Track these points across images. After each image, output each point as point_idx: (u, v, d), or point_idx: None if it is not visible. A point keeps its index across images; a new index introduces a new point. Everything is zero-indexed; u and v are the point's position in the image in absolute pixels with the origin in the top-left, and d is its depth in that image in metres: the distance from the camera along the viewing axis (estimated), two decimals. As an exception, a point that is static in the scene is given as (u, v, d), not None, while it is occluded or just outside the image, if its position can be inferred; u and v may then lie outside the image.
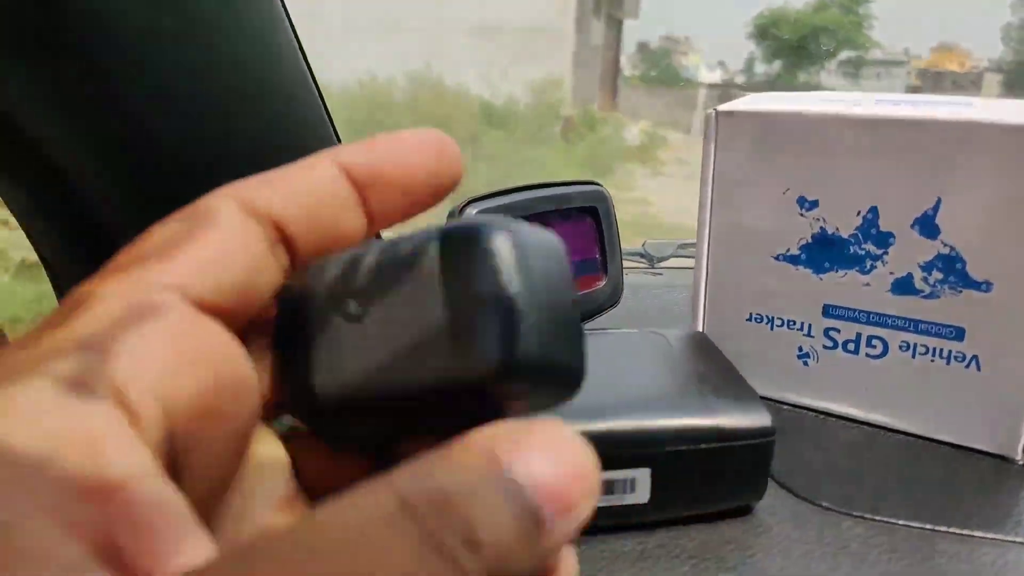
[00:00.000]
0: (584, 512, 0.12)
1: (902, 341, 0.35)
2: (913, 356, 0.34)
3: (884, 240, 0.34)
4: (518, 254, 0.14)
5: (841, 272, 0.35)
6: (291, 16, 0.35)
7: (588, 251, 0.44)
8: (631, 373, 0.31)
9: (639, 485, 0.28)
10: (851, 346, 0.36)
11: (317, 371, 0.15)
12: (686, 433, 0.28)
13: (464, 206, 0.40)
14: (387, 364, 0.14)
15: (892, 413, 0.36)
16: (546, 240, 0.15)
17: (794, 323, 0.37)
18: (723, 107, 0.36)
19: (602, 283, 0.44)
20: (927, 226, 0.32)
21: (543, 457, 0.12)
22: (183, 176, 0.31)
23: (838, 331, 0.36)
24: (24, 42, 0.27)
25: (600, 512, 0.28)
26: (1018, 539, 0.29)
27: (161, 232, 0.15)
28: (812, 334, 0.37)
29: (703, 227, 0.38)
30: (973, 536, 0.29)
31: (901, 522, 0.30)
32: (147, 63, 0.29)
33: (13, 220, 0.35)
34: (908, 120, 0.32)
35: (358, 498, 0.11)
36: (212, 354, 0.14)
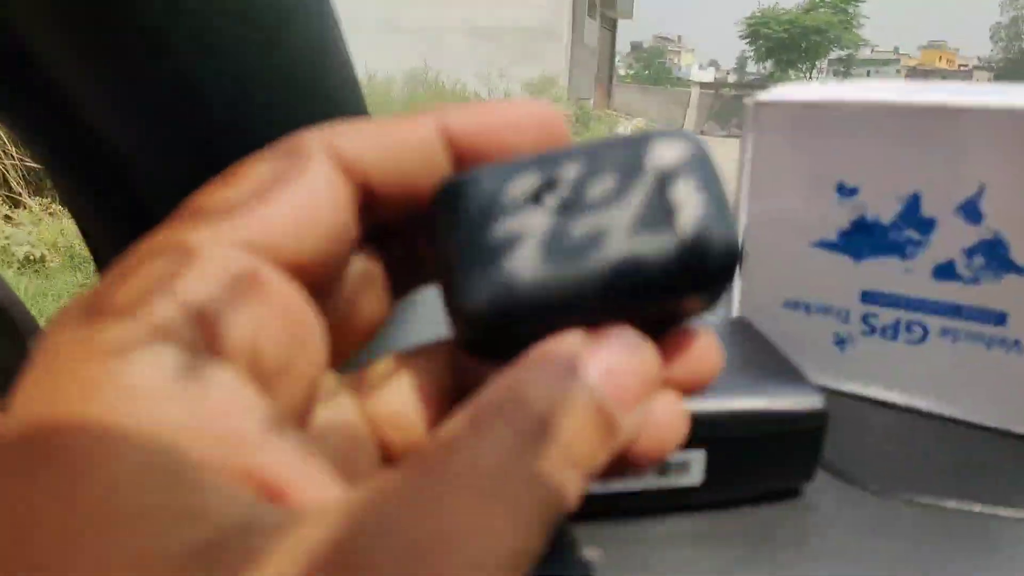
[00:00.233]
0: (643, 393, 0.15)
1: (943, 326, 0.35)
2: (954, 341, 0.35)
3: (926, 226, 0.34)
4: (706, 155, 0.16)
5: (881, 258, 0.35)
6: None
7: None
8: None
9: (693, 467, 0.28)
10: (890, 332, 0.36)
11: (522, 264, 0.15)
12: (741, 416, 0.28)
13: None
14: (607, 256, 0.15)
15: (932, 398, 0.36)
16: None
17: (831, 309, 0.37)
18: (761, 97, 0.37)
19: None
20: (971, 212, 0.33)
21: (615, 359, 0.14)
22: (225, 157, 0.31)
23: (876, 316, 0.36)
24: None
25: (654, 494, 0.28)
26: (1067, 519, 0.29)
27: (251, 175, 0.15)
28: (849, 320, 0.37)
29: (739, 215, 0.38)
30: (1020, 518, 0.29)
31: (950, 505, 0.30)
32: (209, 37, 0.29)
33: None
34: (950, 107, 0.32)
35: (472, 412, 0.13)
36: (299, 325, 0.15)
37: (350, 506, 0.12)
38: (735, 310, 0.40)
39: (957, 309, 0.34)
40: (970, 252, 0.33)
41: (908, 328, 0.36)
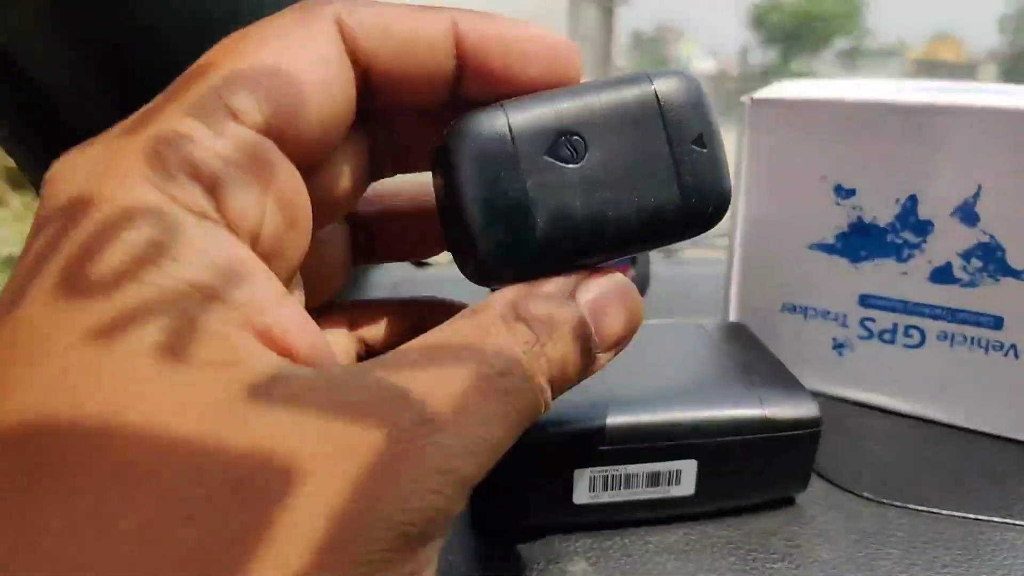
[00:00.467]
0: (626, 331, 0.17)
1: (940, 330, 0.34)
2: (951, 345, 0.34)
3: (923, 228, 0.33)
4: (703, 94, 0.17)
5: (878, 261, 0.35)
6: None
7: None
8: (675, 364, 0.31)
9: (685, 477, 0.28)
10: (887, 336, 0.36)
11: (539, 210, 0.16)
12: (734, 424, 0.27)
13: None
14: (617, 205, 0.16)
15: (929, 404, 0.36)
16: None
17: (829, 313, 0.37)
18: (758, 94, 0.36)
19: (630, 273, 0.44)
20: (967, 214, 0.32)
21: (604, 295, 0.17)
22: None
23: (874, 321, 0.36)
24: None
25: (646, 504, 0.28)
26: (1064, 529, 0.29)
27: (265, 40, 0.15)
28: (848, 324, 0.36)
29: (735, 216, 0.38)
30: (1017, 525, 0.29)
31: (945, 512, 0.30)
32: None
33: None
34: (949, 107, 0.32)
35: (476, 317, 0.15)
36: (296, 210, 0.16)
37: (366, 367, 0.14)
38: (732, 314, 0.39)
39: (954, 313, 0.34)
40: (967, 255, 0.33)
41: (906, 332, 0.35)
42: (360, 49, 0.16)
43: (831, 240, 0.36)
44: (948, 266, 0.33)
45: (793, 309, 0.38)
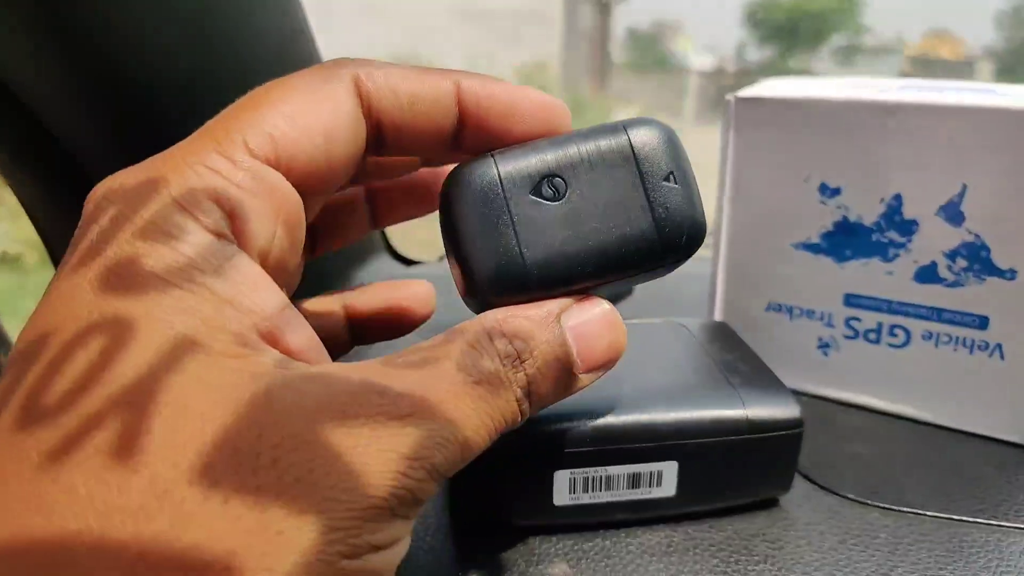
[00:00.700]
0: (607, 356, 0.19)
1: (925, 330, 0.34)
2: (936, 345, 0.34)
3: (908, 228, 0.33)
4: (676, 140, 0.19)
5: (863, 260, 0.35)
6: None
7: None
8: (656, 364, 0.31)
9: (666, 478, 0.28)
10: (872, 336, 0.35)
11: (525, 243, 0.18)
12: (715, 425, 0.27)
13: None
14: (597, 236, 0.18)
15: (914, 403, 0.36)
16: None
17: (814, 313, 0.37)
18: (742, 93, 0.36)
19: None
20: (952, 213, 0.32)
21: (586, 319, 0.18)
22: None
23: (859, 320, 0.36)
24: None
25: (626, 506, 0.28)
26: (1047, 530, 0.28)
27: (291, 90, 0.17)
28: (833, 324, 0.36)
29: (720, 215, 0.38)
30: (1002, 526, 0.29)
31: (930, 513, 0.29)
32: (159, 36, 0.28)
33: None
34: (934, 106, 0.31)
35: (464, 330, 0.17)
36: (297, 230, 0.18)
37: (358, 367, 0.15)
38: (717, 313, 0.39)
39: (939, 313, 0.34)
40: (951, 255, 0.32)
41: (891, 332, 0.35)
42: (373, 105, 0.18)
43: (816, 239, 0.35)
44: (933, 265, 0.33)
45: (778, 308, 0.37)
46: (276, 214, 0.17)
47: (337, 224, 0.25)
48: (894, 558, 0.27)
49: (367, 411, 0.15)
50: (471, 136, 0.19)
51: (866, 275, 0.35)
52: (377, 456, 0.14)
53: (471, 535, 0.28)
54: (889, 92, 0.33)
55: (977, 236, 0.32)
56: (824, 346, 0.37)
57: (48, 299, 0.15)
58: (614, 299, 0.45)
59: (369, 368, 0.16)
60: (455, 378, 0.16)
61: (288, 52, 0.36)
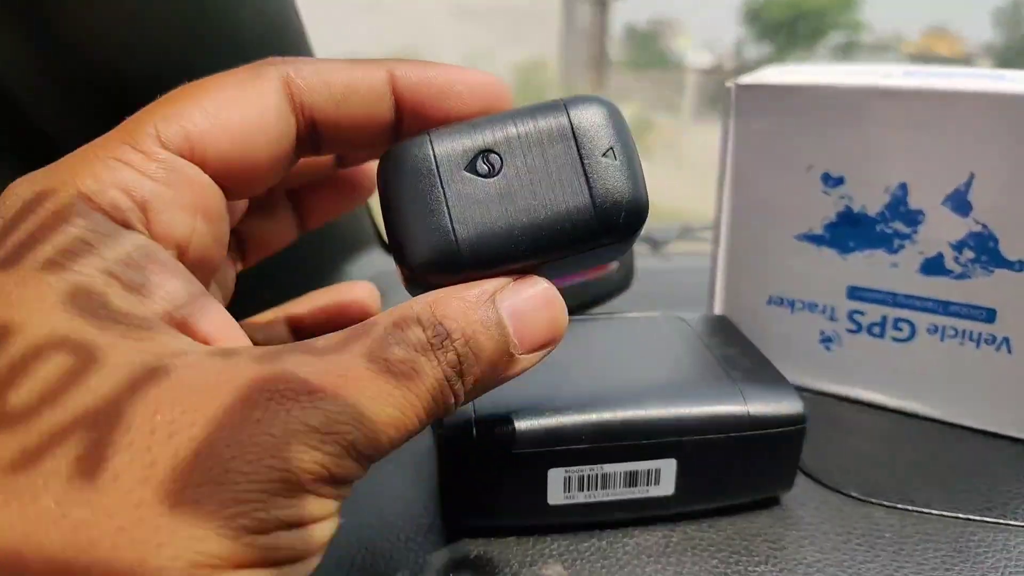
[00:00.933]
0: (546, 336, 0.18)
1: (930, 324, 0.33)
2: (942, 339, 0.33)
3: (913, 218, 0.32)
4: (620, 117, 0.18)
5: (867, 252, 0.34)
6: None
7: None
8: (654, 359, 0.30)
9: (664, 476, 0.27)
10: (876, 329, 0.35)
11: (458, 220, 0.17)
12: (715, 421, 0.26)
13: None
14: (532, 213, 0.17)
15: (919, 399, 0.35)
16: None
17: (817, 306, 0.36)
18: (743, 80, 0.35)
19: (614, 265, 0.42)
20: (959, 203, 0.31)
21: (523, 298, 0.18)
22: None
23: (863, 314, 0.35)
24: None
25: (624, 505, 0.27)
26: (1058, 529, 0.28)
27: (213, 88, 0.17)
28: (836, 317, 0.35)
29: (720, 205, 0.37)
30: (1010, 525, 0.28)
31: (935, 511, 0.28)
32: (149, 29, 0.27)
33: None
34: (941, 92, 0.30)
35: (389, 312, 0.16)
36: (219, 224, 0.18)
37: (274, 348, 0.15)
38: (717, 307, 0.38)
39: (945, 306, 0.33)
40: (958, 246, 0.32)
41: (895, 325, 0.34)
42: (305, 102, 0.18)
43: (819, 230, 0.35)
44: (940, 257, 0.32)
45: (780, 302, 0.36)
46: (193, 206, 0.17)
47: (261, 230, 0.24)
48: (899, 558, 0.26)
49: (275, 385, 0.14)
50: (411, 123, 0.19)
51: (870, 267, 0.34)
52: (282, 429, 0.14)
53: (463, 536, 0.27)
54: (894, 78, 0.32)
55: (985, 226, 0.31)
56: (827, 340, 0.36)
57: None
58: (611, 293, 0.44)
59: (284, 348, 0.15)
60: (372, 355, 0.15)
61: (277, 46, 0.35)
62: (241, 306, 0.24)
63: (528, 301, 0.18)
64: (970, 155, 0.30)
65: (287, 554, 0.14)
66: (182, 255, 0.17)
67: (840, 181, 0.33)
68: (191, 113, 0.17)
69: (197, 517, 0.13)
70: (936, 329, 0.33)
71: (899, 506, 0.29)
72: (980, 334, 0.32)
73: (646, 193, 0.18)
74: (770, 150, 0.35)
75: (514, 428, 0.25)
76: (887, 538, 0.27)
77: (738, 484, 0.28)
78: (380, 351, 0.15)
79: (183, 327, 0.16)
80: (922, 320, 0.33)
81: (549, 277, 0.19)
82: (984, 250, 0.31)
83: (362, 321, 0.17)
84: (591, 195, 0.18)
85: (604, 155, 0.18)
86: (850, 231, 0.34)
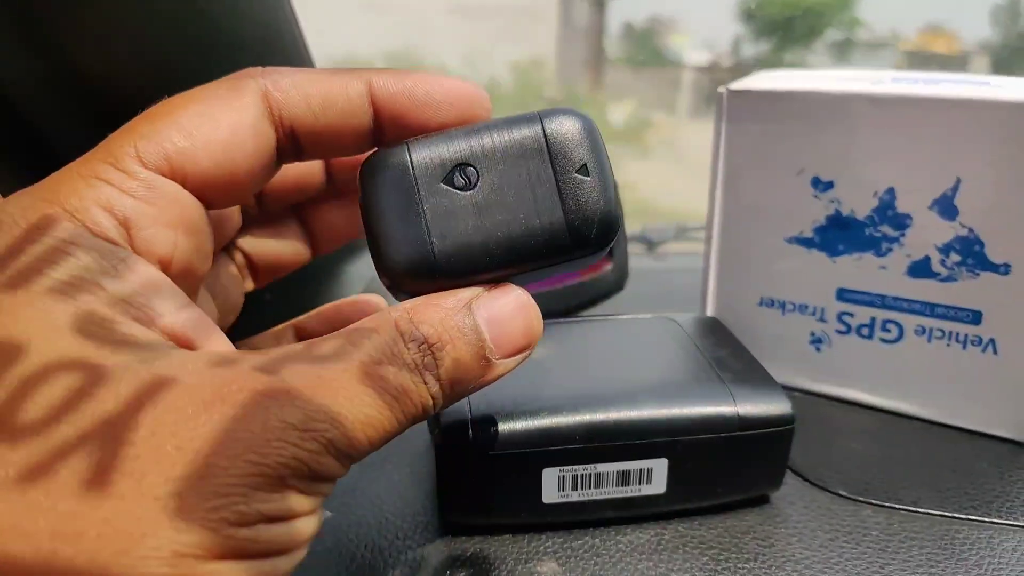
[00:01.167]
0: (522, 342, 0.19)
1: (918, 325, 0.34)
2: (929, 340, 0.34)
3: (901, 222, 0.33)
4: (594, 130, 0.19)
5: (856, 255, 0.34)
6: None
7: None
8: (646, 360, 0.31)
9: (656, 476, 0.27)
10: (865, 331, 0.35)
11: (435, 232, 0.18)
12: (705, 421, 0.27)
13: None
14: (507, 227, 0.18)
15: (907, 399, 0.35)
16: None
17: (807, 307, 0.36)
18: (734, 85, 0.35)
19: (608, 267, 0.43)
20: (946, 207, 0.32)
21: (498, 306, 0.18)
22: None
23: (852, 315, 0.35)
24: None
25: (616, 503, 0.27)
26: (1040, 526, 0.28)
27: (192, 102, 0.17)
28: (825, 319, 0.36)
29: (712, 209, 0.37)
30: (995, 523, 0.28)
31: (922, 510, 0.29)
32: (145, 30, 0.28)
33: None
34: (928, 98, 0.31)
35: (372, 318, 0.17)
36: (201, 238, 0.18)
37: (258, 353, 0.16)
38: (709, 308, 0.39)
39: (932, 308, 0.33)
40: (945, 249, 0.32)
41: (883, 327, 0.35)
42: (284, 113, 0.18)
43: (809, 233, 0.35)
44: (927, 260, 0.33)
45: (770, 303, 0.37)
46: (174, 222, 0.17)
47: (268, 251, 0.25)
48: (885, 555, 0.27)
49: (255, 384, 0.15)
50: (391, 131, 0.19)
51: (859, 270, 0.34)
52: (262, 425, 0.14)
53: (460, 534, 0.28)
54: (883, 84, 0.33)
55: (971, 230, 0.31)
56: (816, 341, 0.37)
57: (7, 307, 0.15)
58: (604, 294, 0.45)
59: (269, 352, 0.16)
60: (353, 358, 0.16)
61: (273, 50, 0.35)
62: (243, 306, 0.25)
63: (504, 308, 0.18)
64: (957, 160, 0.31)
65: (268, 547, 0.15)
66: (165, 269, 0.17)
67: (830, 185, 0.34)
68: (170, 132, 0.17)
69: (180, 510, 0.13)
70: (923, 331, 0.34)
71: (886, 504, 0.29)
72: (967, 335, 0.33)
73: (617, 208, 0.19)
74: (761, 154, 0.35)
75: (509, 429, 0.26)
76: (874, 536, 0.28)
77: (728, 483, 0.28)
78: (358, 355, 0.16)
79: (176, 340, 0.17)
80: (910, 322, 0.34)
81: (523, 284, 0.19)
82: (970, 253, 0.32)
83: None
84: (564, 211, 0.18)
85: (578, 171, 0.18)
86: (839, 234, 0.34)
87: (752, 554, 0.27)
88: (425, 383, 0.17)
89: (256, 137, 0.18)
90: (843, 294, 0.35)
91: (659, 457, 0.27)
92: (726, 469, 0.28)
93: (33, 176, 0.17)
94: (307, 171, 0.23)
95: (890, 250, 0.33)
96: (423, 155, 0.18)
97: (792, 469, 0.32)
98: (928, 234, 0.32)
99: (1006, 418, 0.33)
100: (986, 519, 0.29)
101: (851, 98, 0.32)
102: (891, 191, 0.33)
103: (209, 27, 0.31)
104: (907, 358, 0.35)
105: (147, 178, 0.17)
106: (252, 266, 0.25)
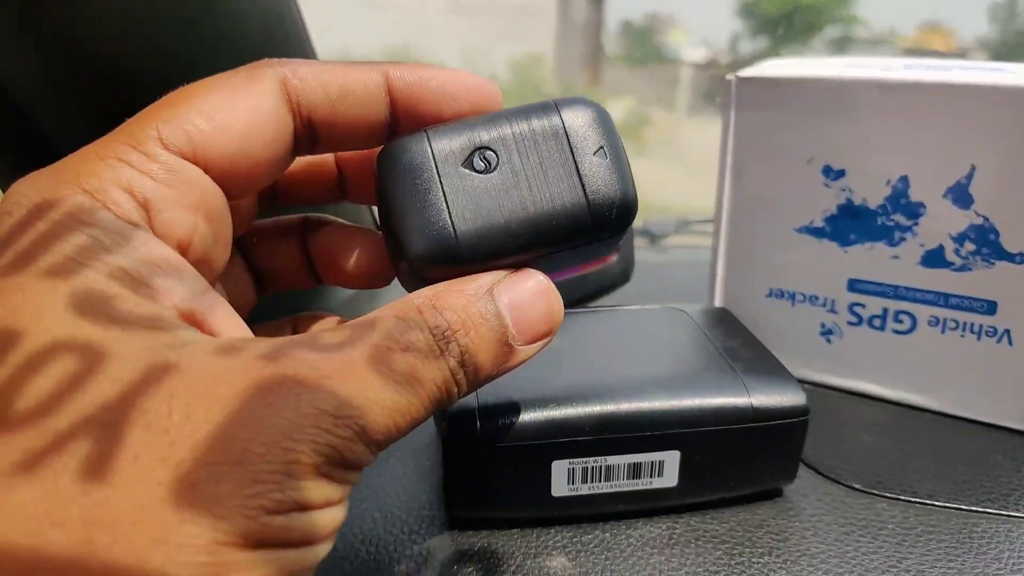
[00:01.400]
0: (544, 327, 0.19)
1: (931, 316, 0.33)
2: (943, 331, 0.33)
3: (914, 211, 0.32)
4: (608, 118, 0.19)
5: (868, 244, 0.34)
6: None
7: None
8: (656, 351, 0.30)
9: (667, 468, 0.27)
10: (877, 322, 0.35)
11: (456, 213, 0.18)
12: (718, 413, 0.26)
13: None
14: (528, 207, 0.18)
15: (920, 391, 0.35)
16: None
17: (817, 298, 0.36)
18: (743, 73, 0.35)
19: (614, 259, 0.42)
20: (960, 195, 0.31)
21: (520, 291, 0.18)
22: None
23: (863, 306, 0.35)
24: None
25: (627, 497, 0.27)
26: (1059, 519, 0.28)
27: (212, 89, 0.17)
28: (836, 310, 0.35)
29: (720, 198, 0.37)
30: (1013, 516, 0.28)
31: (938, 503, 0.29)
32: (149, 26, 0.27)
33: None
34: (942, 84, 0.30)
35: (392, 306, 0.17)
36: (221, 224, 0.18)
37: (286, 338, 0.16)
38: (717, 299, 0.38)
39: (946, 298, 0.33)
40: (959, 238, 0.32)
41: (896, 318, 0.34)
42: (302, 102, 0.18)
43: (820, 223, 0.35)
44: (940, 249, 0.32)
45: (780, 294, 0.37)
46: (194, 206, 0.17)
47: (275, 265, 0.24)
48: (902, 549, 0.26)
49: (288, 371, 0.15)
50: (405, 123, 0.20)
51: (871, 260, 0.34)
52: (296, 412, 0.14)
53: (467, 528, 0.27)
54: (894, 71, 0.32)
55: (986, 219, 0.31)
56: (827, 333, 0.36)
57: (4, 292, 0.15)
58: (610, 286, 0.44)
59: (289, 341, 0.16)
60: (379, 344, 0.16)
61: (276, 41, 0.35)
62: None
63: (525, 294, 0.18)
64: (971, 148, 0.30)
65: (301, 536, 0.14)
66: (184, 254, 0.17)
67: (841, 174, 0.33)
68: (191, 116, 0.17)
69: (218, 497, 0.13)
70: (937, 321, 0.33)
71: (901, 498, 0.29)
72: (981, 326, 0.32)
73: (635, 190, 0.19)
74: (771, 143, 0.35)
75: (517, 420, 0.25)
76: (890, 529, 0.27)
77: (741, 476, 0.28)
78: (385, 343, 0.16)
79: (191, 321, 0.16)
80: (923, 312, 0.33)
81: (543, 267, 0.19)
82: (985, 242, 0.31)
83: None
84: (584, 191, 0.18)
85: (595, 154, 0.18)
86: (851, 224, 0.34)
87: (766, 548, 0.26)
88: (450, 369, 0.17)
89: (275, 123, 0.18)
90: (854, 284, 0.35)
91: (671, 449, 0.26)
92: (739, 461, 0.27)
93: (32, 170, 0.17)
94: (320, 164, 0.23)
95: (903, 239, 0.33)
96: (442, 140, 0.18)
97: (804, 462, 0.31)
98: (942, 223, 0.32)
99: (1021, 410, 0.33)
100: (1003, 512, 0.28)
101: (862, 85, 0.32)
102: (904, 179, 0.32)
103: (211, 17, 0.30)
104: (920, 349, 0.34)
105: (169, 160, 0.17)
106: (260, 279, 0.25)
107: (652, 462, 0.26)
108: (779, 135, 0.34)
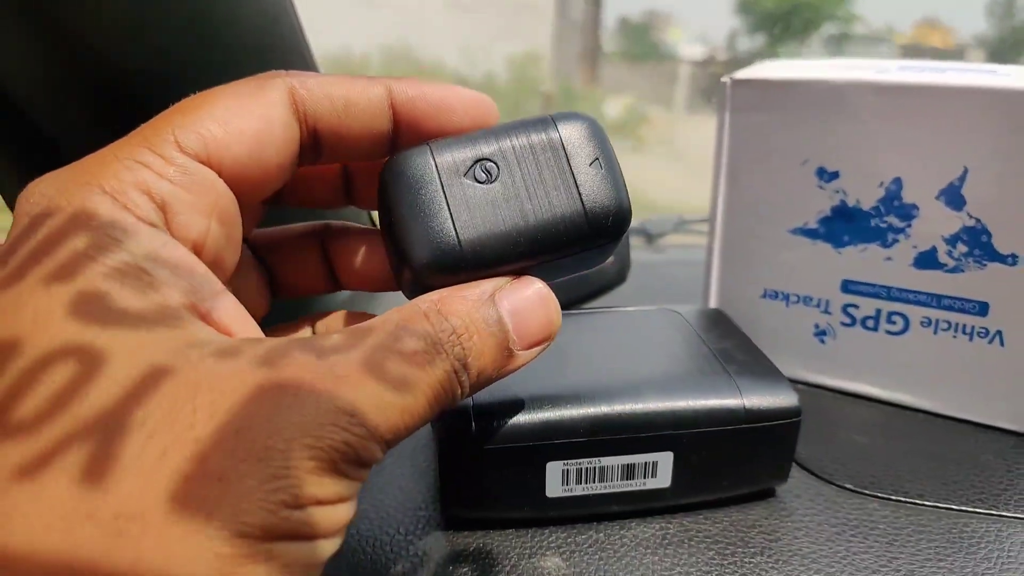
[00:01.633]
0: (543, 333, 0.19)
1: (924, 317, 0.34)
2: (935, 332, 0.33)
3: (907, 212, 0.32)
4: (602, 131, 0.20)
5: (861, 246, 0.34)
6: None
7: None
8: (650, 352, 0.30)
9: (661, 469, 0.27)
10: (870, 323, 0.35)
11: (460, 222, 0.19)
12: (711, 414, 0.27)
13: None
14: (528, 216, 0.19)
15: (912, 391, 0.35)
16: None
17: (811, 299, 0.36)
18: (738, 74, 0.35)
19: (610, 259, 0.43)
20: (953, 197, 0.31)
21: (520, 298, 0.19)
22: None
23: (857, 307, 0.35)
24: None
25: (621, 497, 0.27)
26: (1049, 519, 0.28)
27: (222, 97, 0.18)
28: (830, 311, 0.36)
29: (715, 199, 0.37)
30: (1003, 516, 0.28)
31: (929, 503, 0.29)
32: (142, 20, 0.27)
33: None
34: (935, 87, 0.31)
35: (398, 310, 0.17)
36: (232, 227, 0.19)
37: (300, 338, 0.16)
38: (712, 300, 0.39)
39: (938, 299, 0.33)
40: (952, 240, 0.32)
41: (889, 319, 0.34)
42: (309, 112, 0.19)
43: (813, 224, 0.35)
44: (933, 251, 0.32)
45: (774, 295, 0.37)
46: (209, 209, 0.18)
47: (292, 273, 0.25)
48: (893, 549, 0.26)
49: (303, 371, 0.15)
50: (407, 136, 0.20)
51: (864, 261, 0.34)
52: (314, 411, 0.15)
53: (462, 528, 0.27)
54: (888, 73, 0.32)
55: (978, 221, 0.31)
56: (821, 333, 0.36)
57: (5, 303, 0.15)
58: (605, 286, 0.44)
59: (309, 338, 0.16)
60: (391, 346, 0.16)
61: (273, 43, 0.35)
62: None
63: (525, 301, 0.19)
64: (964, 150, 0.31)
65: (316, 530, 0.15)
66: (198, 255, 0.18)
67: (835, 176, 0.34)
68: (206, 121, 0.17)
69: (242, 490, 0.14)
70: (929, 322, 0.33)
71: (893, 498, 0.29)
72: (973, 327, 0.33)
73: (628, 200, 0.20)
74: (765, 145, 0.35)
75: (512, 422, 0.25)
76: (881, 529, 0.27)
77: (734, 476, 0.28)
78: (391, 345, 0.16)
79: (206, 319, 0.17)
80: (915, 313, 0.34)
81: (541, 275, 0.20)
82: (977, 244, 0.31)
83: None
84: (581, 201, 0.19)
85: (591, 165, 0.19)
86: (844, 225, 0.34)
87: (758, 548, 0.27)
88: (453, 371, 0.17)
89: (284, 131, 0.19)
90: (848, 286, 0.35)
91: (664, 450, 0.27)
92: (732, 462, 0.27)
93: (35, 175, 0.17)
94: (326, 168, 0.24)
95: (896, 241, 0.33)
96: (444, 153, 0.19)
97: (797, 462, 0.31)
98: (935, 225, 0.32)
99: (1013, 411, 0.33)
100: (994, 512, 0.28)
101: (856, 87, 0.32)
102: (898, 181, 0.32)
103: (209, 19, 0.31)
104: (913, 350, 0.34)
105: (185, 164, 0.17)
106: (273, 284, 0.25)
107: (646, 463, 0.27)
108: (774, 137, 0.34)
